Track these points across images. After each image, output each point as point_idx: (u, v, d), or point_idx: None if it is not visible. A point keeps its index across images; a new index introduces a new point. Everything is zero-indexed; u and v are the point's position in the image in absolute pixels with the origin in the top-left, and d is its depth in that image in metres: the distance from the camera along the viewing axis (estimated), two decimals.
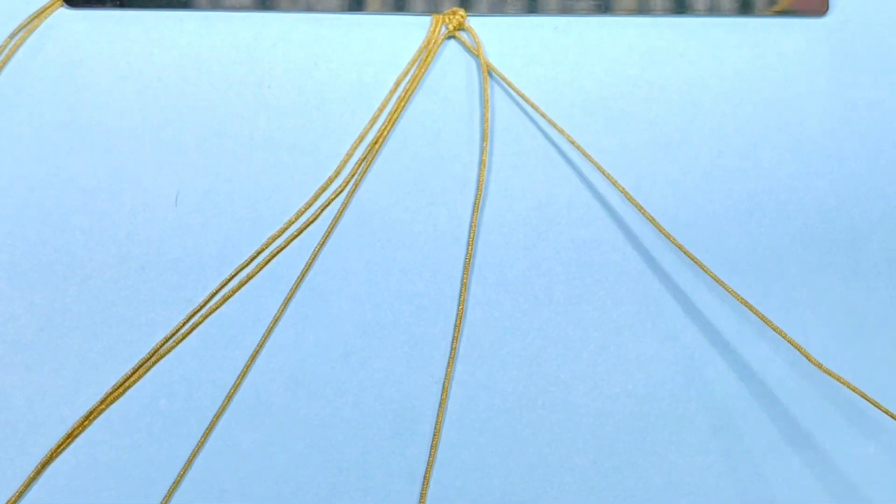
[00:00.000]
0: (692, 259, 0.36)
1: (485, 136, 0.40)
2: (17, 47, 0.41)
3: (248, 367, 0.37)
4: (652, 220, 0.37)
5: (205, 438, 0.36)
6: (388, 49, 0.41)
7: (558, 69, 0.41)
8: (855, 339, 0.37)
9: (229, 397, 0.37)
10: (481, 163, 0.39)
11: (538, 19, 0.42)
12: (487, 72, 0.41)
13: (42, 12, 0.42)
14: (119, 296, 0.38)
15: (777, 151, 0.40)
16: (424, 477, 0.36)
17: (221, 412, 0.36)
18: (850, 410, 0.36)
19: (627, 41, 0.42)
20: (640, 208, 0.37)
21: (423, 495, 0.36)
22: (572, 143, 0.39)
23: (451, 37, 0.41)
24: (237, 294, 0.38)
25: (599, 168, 0.38)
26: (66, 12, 0.42)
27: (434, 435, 0.36)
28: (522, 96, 0.40)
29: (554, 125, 0.39)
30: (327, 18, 0.42)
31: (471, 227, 0.39)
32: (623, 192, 0.38)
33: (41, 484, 0.36)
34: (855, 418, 0.36)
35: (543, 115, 0.40)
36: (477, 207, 0.39)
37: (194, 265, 0.38)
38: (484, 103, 0.40)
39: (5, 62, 0.41)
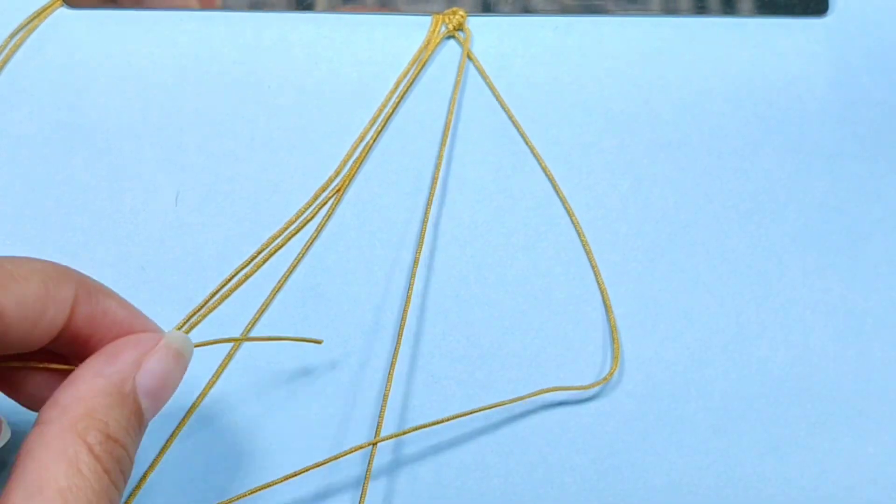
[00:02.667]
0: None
1: (446, 131, 0.40)
2: (17, 47, 0.41)
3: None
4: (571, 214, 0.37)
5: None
6: (388, 49, 0.41)
7: (558, 69, 0.41)
8: (855, 339, 0.37)
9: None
10: (438, 157, 0.39)
11: (538, 19, 0.42)
12: (464, 68, 0.41)
13: (42, 12, 0.42)
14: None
15: (777, 151, 0.40)
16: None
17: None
18: (850, 410, 0.36)
19: (627, 41, 0.42)
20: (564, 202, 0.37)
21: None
22: (530, 146, 0.39)
23: (450, 36, 0.41)
24: (237, 294, 0.38)
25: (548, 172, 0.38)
26: (66, 12, 0.42)
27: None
28: (500, 98, 0.40)
29: (519, 128, 0.39)
30: (327, 18, 0.42)
31: (426, 226, 0.39)
32: (563, 197, 0.38)
33: None
34: (855, 418, 0.36)
35: (513, 119, 0.40)
36: (430, 203, 0.39)
37: (194, 265, 0.38)
38: (452, 100, 0.40)
39: (5, 62, 0.41)
